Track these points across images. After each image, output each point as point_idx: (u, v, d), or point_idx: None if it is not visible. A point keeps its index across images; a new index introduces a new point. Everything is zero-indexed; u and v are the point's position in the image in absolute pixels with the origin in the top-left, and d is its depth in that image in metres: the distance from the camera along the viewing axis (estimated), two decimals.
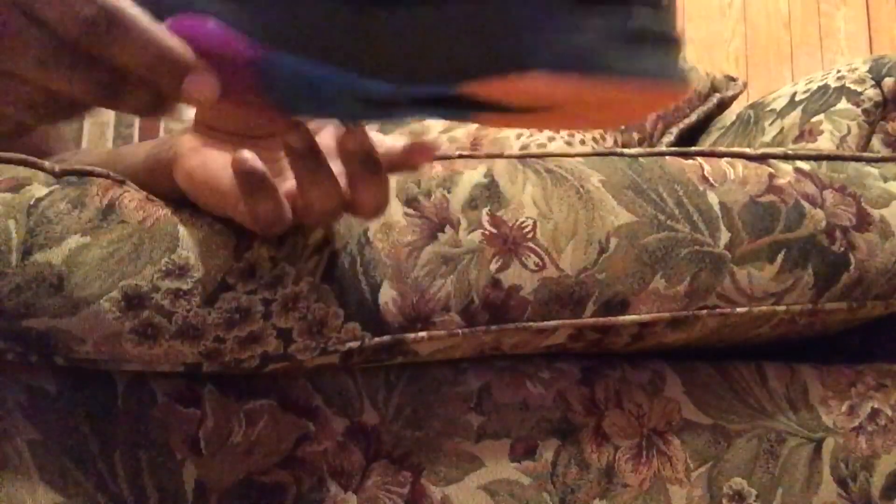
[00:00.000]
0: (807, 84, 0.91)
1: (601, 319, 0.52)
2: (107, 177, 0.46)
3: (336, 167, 0.39)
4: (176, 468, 0.46)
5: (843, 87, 0.85)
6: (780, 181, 0.57)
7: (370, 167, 0.38)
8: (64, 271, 0.43)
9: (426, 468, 0.50)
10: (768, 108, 0.94)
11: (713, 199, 0.55)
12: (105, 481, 0.45)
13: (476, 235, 0.49)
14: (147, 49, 0.31)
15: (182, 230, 0.45)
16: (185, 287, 0.44)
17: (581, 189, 0.53)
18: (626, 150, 0.57)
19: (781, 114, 0.90)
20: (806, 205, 0.57)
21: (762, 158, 0.59)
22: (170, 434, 0.47)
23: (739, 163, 0.58)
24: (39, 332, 0.43)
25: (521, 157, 0.54)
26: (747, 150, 0.60)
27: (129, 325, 0.43)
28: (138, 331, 0.43)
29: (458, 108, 0.31)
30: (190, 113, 0.44)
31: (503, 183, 0.52)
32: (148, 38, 0.31)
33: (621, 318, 0.52)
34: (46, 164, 0.46)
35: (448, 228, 0.49)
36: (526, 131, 0.98)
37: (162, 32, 0.31)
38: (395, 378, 0.51)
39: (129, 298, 0.43)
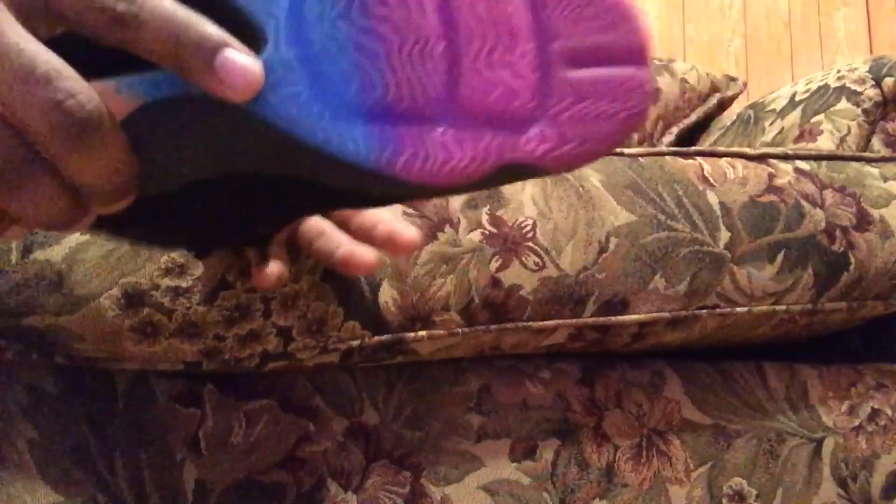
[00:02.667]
0: (807, 84, 0.91)
1: (601, 319, 0.52)
2: None
3: None
4: (176, 468, 0.46)
5: (843, 87, 0.85)
6: (780, 181, 0.57)
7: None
8: (64, 269, 0.43)
9: (426, 468, 0.50)
10: (768, 108, 0.94)
11: (713, 198, 0.55)
12: (105, 481, 0.45)
13: (476, 235, 0.49)
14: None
15: None
16: (184, 285, 0.44)
17: (581, 189, 0.53)
18: (625, 150, 0.57)
19: (781, 114, 0.90)
20: (806, 205, 0.57)
21: (762, 158, 0.59)
22: (170, 434, 0.46)
23: (739, 163, 0.58)
24: (39, 330, 0.43)
25: None
26: (747, 150, 0.60)
27: (128, 322, 0.43)
28: (138, 329, 0.43)
29: None
30: None
31: None
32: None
33: (621, 317, 0.52)
34: None
35: (448, 228, 0.49)
36: None
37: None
38: (395, 378, 0.51)
39: (129, 296, 0.43)
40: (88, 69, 0.27)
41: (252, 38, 0.28)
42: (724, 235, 0.54)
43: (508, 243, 0.50)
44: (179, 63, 0.27)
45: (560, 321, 0.51)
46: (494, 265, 0.49)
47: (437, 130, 0.29)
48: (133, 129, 0.27)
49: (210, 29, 0.27)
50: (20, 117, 0.26)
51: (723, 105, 1.17)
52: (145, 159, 0.28)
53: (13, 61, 0.25)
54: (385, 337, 0.47)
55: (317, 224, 0.43)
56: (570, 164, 0.30)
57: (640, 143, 1.05)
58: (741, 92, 1.19)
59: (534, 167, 0.30)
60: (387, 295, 0.47)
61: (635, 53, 0.30)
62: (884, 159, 0.63)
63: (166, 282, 0.43)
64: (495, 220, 0.50)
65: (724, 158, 0.58)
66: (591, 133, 0.30)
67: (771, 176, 0.58)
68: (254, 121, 0.28)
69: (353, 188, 0.31)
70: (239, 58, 0.27)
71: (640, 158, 0.56)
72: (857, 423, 0.59)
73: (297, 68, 0.28)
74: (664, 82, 1.10)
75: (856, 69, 0.86)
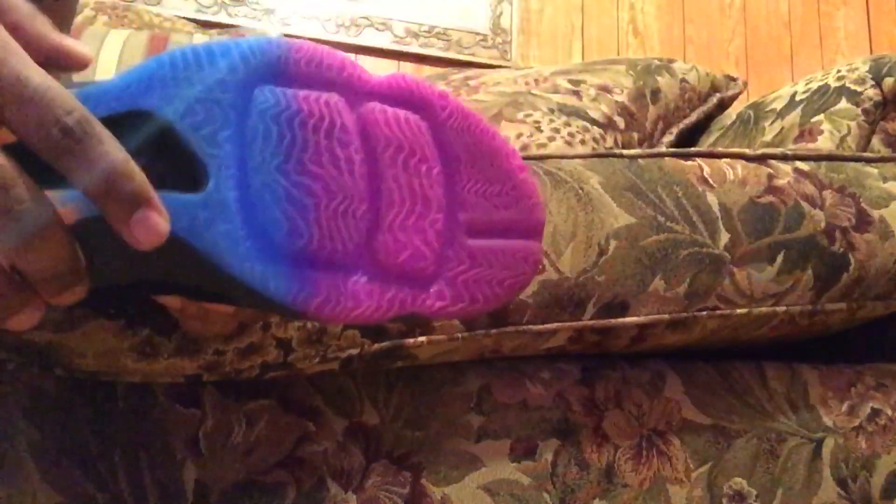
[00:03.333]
0: (807, 84, 0.91)
1: (601, 322, 0.52)
2: None
3: None
4: (176, 468, 0.46)
5: (843, 87, 0.85)
6: (780, 182, 0.57)
7: None
8: None
9: (426, 468, 0.50)
10: (768, 108, 0.94)
11: (712, 200, 0.55)
12: (105, 481, 0.45)
13: None
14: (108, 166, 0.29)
15: None
16: None
17: (580, 191, 0.53)
18: (625, 151, 0.57)
19: (781, 114, 0.90)
20: (805, 205, 0.57)
21: (762, 159, 0.59)
22: (170, 434, 0.46)
23: (739, 163, 0.58)
24: (39, 345, 0.43)
25: None
26: (747, 151, 0.60)
27: (128, 343, 0.43)
28: (137, 349, 0.43)
29: None
30: None
31: None
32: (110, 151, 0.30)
33: (621, 319, 0.52)
34: None
35: None
36: (526, 131, 0.98)
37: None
38: (394, 378, 0.51)
39: (129, 316, 0.43)
40: (40, 172, 0.29)
41: (194, 172, 0.31)
42: (724, 237, 0.54)
43: None
44: (102, 204, 0.30)
45: (560, 324, 0.51)
46: None
47: (350, 280, 0.32)
48: (76, 236, 0.30)
49: (137, 185, 0.29)
50: None
51: (723, 105, 1.17)
52: (89, 260, 0.31)
53: None
54: (385, 344, 0.47)
55: None
56: (457, 317, 0.35)
57: (640, 144, 1.05)
58: (741, 92, 1.19)
59: (427, 318, 0.34)
60: None
61: (530, 229, 0.36)
62: (884, 159, 0.63)
63: None
64: None
65: (724, 159, 0.58)
66: (481, 295, 0.34)
67: (770, 177, 0.58)
68: (186, 249, 0.30)
69: (257, 307, 0.35)
70: (153, 218, 0.30)
71: (639, 160, 0.56)
72: (857, 423, 0.59)
73: (232, 208, 0.31)
74: (664, 82, 1.10)
75: (856, 69, 0.86)
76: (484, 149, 0.35)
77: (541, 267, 0.50)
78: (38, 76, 0.29)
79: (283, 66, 0.32)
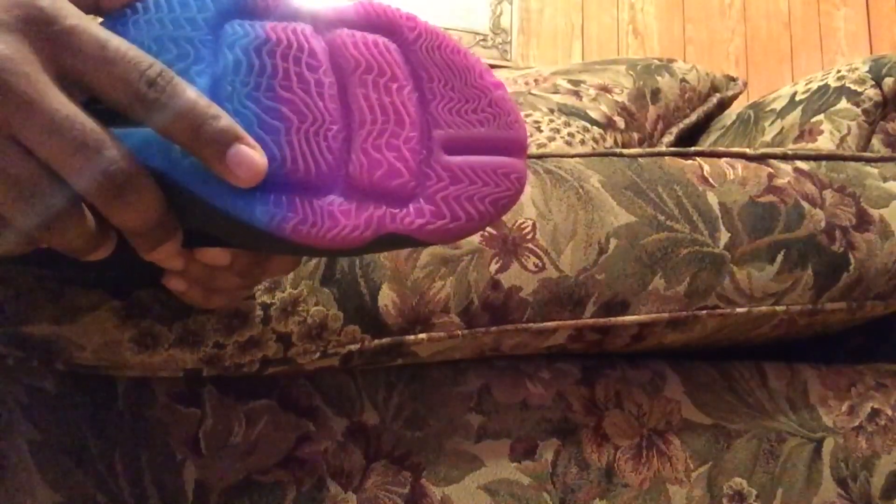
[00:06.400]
0: (807, 84, 0.91)
1: (601, 320, 0.52)
2: None
3: None
4: (176, 468, 0.46)
5: (843, 87, 0.85)
6: (780, 181, 0.57)
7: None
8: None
9: (426, 468, 0.50)
10: (768, 108, 0.94)
11: (713, 199, 0.55)
12: (105, 481, 0.45)
13: (475, 236, 0.50)
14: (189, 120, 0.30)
15: None
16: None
17: (580, 190, 0.53)
18: (625, 151, 0.57)
19: (781, 114, 0.90)
20: (806, 205, 0.57)
21: (762, 158, 0.59)
22: (170, 434, 0.46)
23: (739, 163, 0.58)
24: (39, 338, 0.43)
25: None
26: (747, 150, 0.60)
27: (128, 334, 0.43)
28: (138, 340, 0.43)
29: None
30: None
31: None
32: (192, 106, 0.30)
33: (621, 318, 0.52)
34: None
35: None
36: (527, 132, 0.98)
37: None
38: (395, 378, 0.51)
39: (130, 307, 0.43)
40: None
41: None
42: (724, 236, 0.54)
43: (508, 245, 0.50)
44: (194, 149, 0.30)
45: (560, 322, 0.51)
46: (494, 267, 0.49)
47: (325, 200, 0.32)
48: None
49: (225, 123, 0.30)
50: (72, 181, 0.29)
51: (723, 105, 1.17)
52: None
53: (68, 133, 0.28)
54: (385, 340, 0.47)
55: None
56: (443, 237, 0.34)
57: (640, 143, 1.05)
58: (741, 92, 1.19)
59: (410, 238, 0.34)
60: (386, 298, 0.47)
61: (511, 146, 0.35)
62: (884, 159, 0.63)
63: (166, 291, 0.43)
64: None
65: (724, 159, 0.58)
66: (463, 211, 0.34)
67: (771, 176, 0.58)
68: (166, 183, 0.31)
69: (246, 243, 0.35)
70: (247, 153, 0.31)
71: (639, 159, 0.56)
72: (857, 423, 0.59)
73: None
74: (664, 82, 1.10)
75: (856, 69, 0.86)
76: (456, 67, 0.36)
77: (541, 265, 0.50)
78: (113, 37, 0.30)
79: (251, 1, 0.34)
